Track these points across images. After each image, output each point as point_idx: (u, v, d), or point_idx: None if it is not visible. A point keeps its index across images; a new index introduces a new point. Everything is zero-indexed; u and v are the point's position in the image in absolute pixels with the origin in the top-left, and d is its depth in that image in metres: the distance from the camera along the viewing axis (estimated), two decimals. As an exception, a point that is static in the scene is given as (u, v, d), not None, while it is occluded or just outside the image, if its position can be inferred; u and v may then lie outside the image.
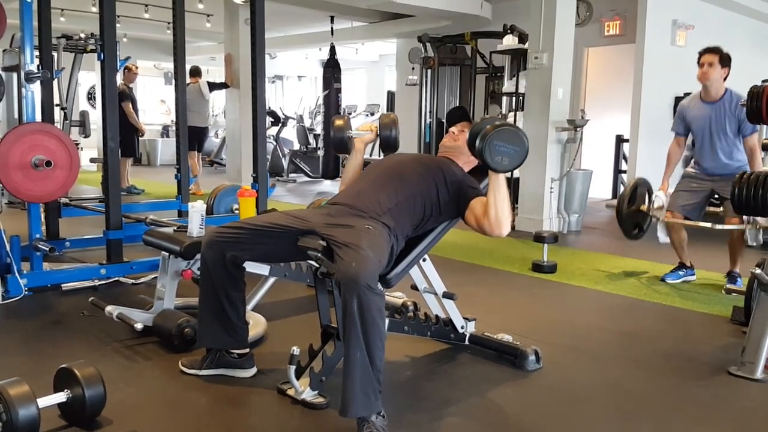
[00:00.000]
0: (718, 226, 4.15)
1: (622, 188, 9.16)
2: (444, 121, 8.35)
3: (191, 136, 8.89)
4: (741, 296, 3.56)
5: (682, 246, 4.51)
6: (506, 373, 2.85)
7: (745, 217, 3.95)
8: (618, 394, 2.70)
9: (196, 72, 9.08)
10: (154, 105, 16.13)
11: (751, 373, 2.84)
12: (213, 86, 9.33)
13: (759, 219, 3.85)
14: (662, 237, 4.50)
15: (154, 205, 5.88)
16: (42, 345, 3.08)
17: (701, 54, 4.32)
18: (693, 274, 4.59)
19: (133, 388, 2.60)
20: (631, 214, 4.55)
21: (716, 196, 4.41)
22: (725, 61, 4.27)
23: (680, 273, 4.56)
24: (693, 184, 4.44)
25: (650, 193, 4.60)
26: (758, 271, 2.97)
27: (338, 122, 3.03)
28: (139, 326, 2.97)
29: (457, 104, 8.90)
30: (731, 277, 4.36)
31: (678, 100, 8.09)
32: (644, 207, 4.54)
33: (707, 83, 4.30)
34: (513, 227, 6.53)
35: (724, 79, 4.30)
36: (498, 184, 2.51)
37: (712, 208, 4.58)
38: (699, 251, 4.69)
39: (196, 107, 8.58)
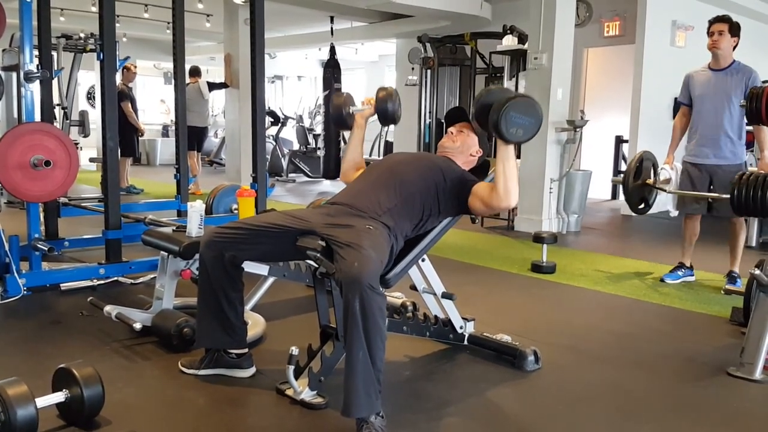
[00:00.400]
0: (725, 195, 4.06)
1: (621, 188, 9.17)
2: (444, 121, 8.34)
3: (191, 136, 8.89)
4: (740, 297, 3.55)
5: (692, 241, 4.51)
6: (505, 373, 2.85)
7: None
8: (617, 395, 2.70)
9: (195, 72, 9.08)
10: (154, 105, 16.12)
11: (750, 374, 2.84)
12: (212, 86, 9.33)
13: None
14: (673, 211, 4.50)
15: (153, 205, 5.88)
16: (40, 345, 3.08)
17: (711, 23, 4.37)
18: (692, 275, 4.59)
19: (132, 388, 2.59)
20: (636, 187, 4.44)
21: (711, 186, 4.38)
22: (735, 30, 4.32)
23: (679, 273, 4.56)
24: (694, 181, 4.42)
25: (656, 167, 4.56)
26: (757, 271, 2.97)
27: (338, 99, 3.04)
28: (137, 326, 2.97)
29: (457, 104, 8.90)
30: (730, 277, 4.37)
31: (677, 99, 8.14)
32: (650, 180, 4.49)
33: (717, 51, 4.33)
34: (512, 227, 6.60)
35: (734, 48, 4.33)
36: (508, 154, 2.54)
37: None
38: (699, 252, 4.69)
39: (195, 107, 8.58)
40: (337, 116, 3.03)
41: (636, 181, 4.43)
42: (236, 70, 9.42)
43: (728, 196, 3.38)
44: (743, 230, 4.38)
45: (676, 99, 8.24)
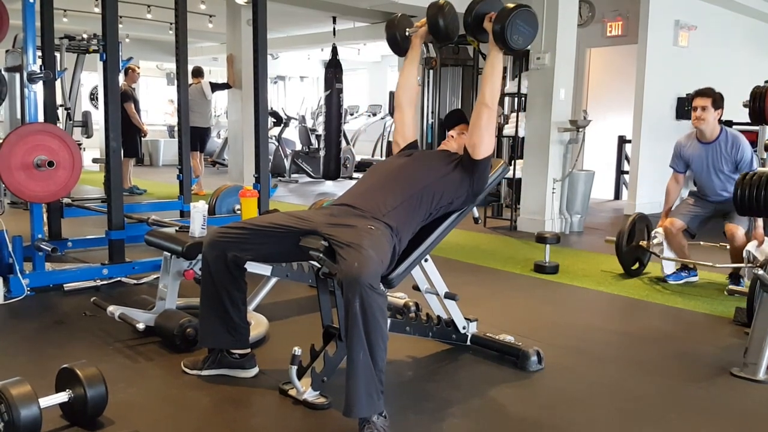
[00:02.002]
0: (719, 265, 4.25)
1: (624, 188, 9.17)
2: (443, 123, 8.33)
3: (193, 136, 8.89)
4: (743, 297, 3.55)
5: (683, 252, 4.51)
6: (508, 373, 2.85)
7: (744, 255, 3.98)
8: (620, 395, 2.70)
9: (198, 72, 9.09)
10: (157, 105, 16.16)
11: (753, 375, 2.84)
12: (215, 87, 9.34)
13: (756, 254, 3.87)
14: (668, 271, 4.54)
15: (156, 206, 5.89)
16: (44, 345, 3.08)
17: (693, 97, 4.37)
18: (695, 275, 4.58)
19: (135, 388, 2.60)
20: (630, 249, 4.63)
21: (721, 213, 4.44)
22: (718, 102, 4.30)
23: (683, 274, 4.55)
24: (697, 202, 4.52)
25: (649, 229, 4.65)
26: (761, 272, 2.97)
27: (392, 24, 3.03)
28: (140, 326, 2.97)
29: (459, 104, 8.90)
30: (734, 278, 4.36)
31: (680, 100, 8.14)
32: (644, 243, 4.59)
33: (703, 126, 4.34)
34: (515, 227, 6.59)
35: (719, 120, 4.33)
36: (499, 58, 2.71)
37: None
38: (701, 252, 4.68)
39: (198, 108, 8.59)
40: (393, 39, 3.03)
41: (630, 243, 4.51)
42: (239, 70, 9.43)
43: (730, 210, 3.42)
44: (743, 237, 4.34)
45: (678, 99, 8.28)
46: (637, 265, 4.73)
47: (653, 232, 4.55)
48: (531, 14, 2.65)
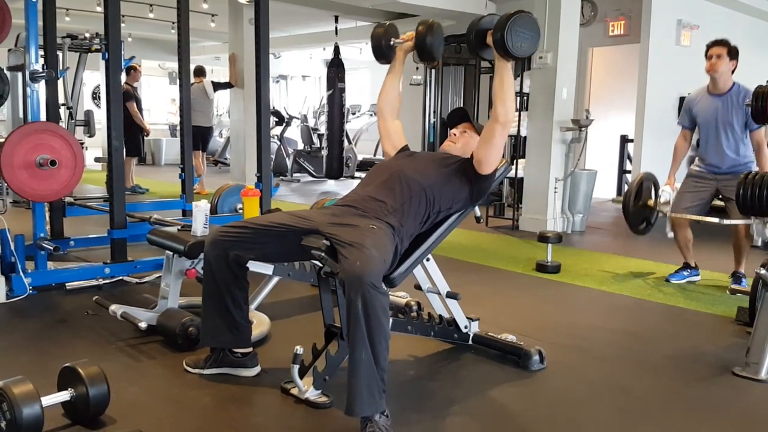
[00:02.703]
0: (726, 221, 4.09)
1: (626, 188, 9.16)
2: (446, 121, 8.33)
3: (195, 135, 8.91)
4: (746, 296, 3.55)
5: (687, 246, 4.50)
6: (510, 373, 2.85)
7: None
8: (622, 395, 2.69)
9: (200, 72, 9.09)
10: (159, 105, 16.17)
11: (755, 374, 2.83)
12: (217, 86, 9.34)
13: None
14: (670, 232, 4.49)
15: (159, 205, 5.89)
16: (46, 344, 3.09)
17: (709, 46, 4.32)
18: (697, 275, 4.58)
19: (137, 387, 2.60)
20: (638, 209, 4.51)
21: (720, 196, 4.39)
22: (733, 53, 4.27)
23: (685, 273, 4.55)
24: (697, 185, 4.42)
25: (656, 188, 4.58)
26: (763, 271, 2.97)
27: (379, 29, 3.01)
28: (143, 325, 2.98)
29: (461, 104, 8.89)
30: (736, 277, 4.35)
31: (683, 100, 8.12)
32: (651, 202, 4.50)
33: (715, 75, 4.29)
34: (517, 227, 6.59)
35: (732, 71, 4.29)
36: (507, 70, 2.64)
37: (717, 202, 4.56)
38: (703, 251, 4.68)
39: (200, 107, 8.60)
40: (377, 47, 3.01)
41: (637, 202, 4.46)
42: (241, 69, 9.43)
43: (732, 197, 3.39)
44: (748, 231, 4.35)
45: (681, 98, 8.26)
46: (644, 225, 4.59)
47: (660, 191, 4.48)
48: (530, 19, 2.60)
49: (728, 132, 4.29)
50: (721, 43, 4.28)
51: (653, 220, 4.57)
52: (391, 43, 2.99)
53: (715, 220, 4.10)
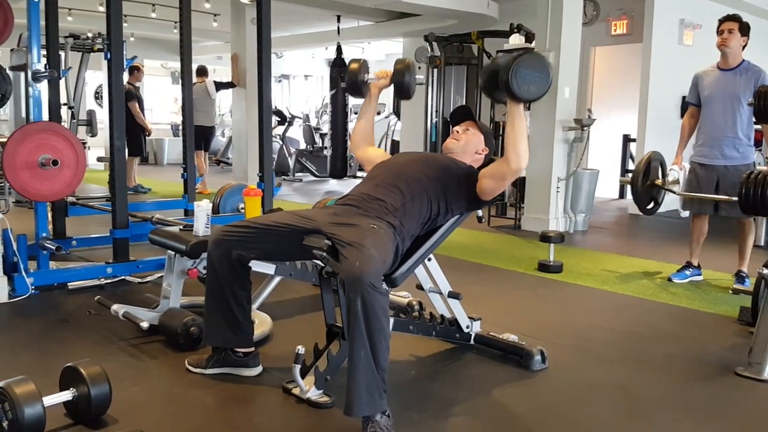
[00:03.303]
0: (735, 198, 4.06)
1: (628, 187, 9.15)
2: (449, 120, 8.32)
3: (198, 135, 8.96)
4: (748, 296, 3.54)
5: (699, 240, 4.49)
6: (512, 373, 2.85)
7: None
8: (624, 395, 2.69)
9: (202, 71, 9.10)
10: (162, 104, 16.18)
11: (758, 374, 2.83)
12: (219, 86, 9.35)
13: None
14: (683, 212, 4.49)
15: (161, 204, 5.90)
16: (48, 343, 3.09)
17: (721, 21, 4.39)
18: (700, 274, 4.57)
19: (139, 387, 2.60)
20: (646, 189, 4.46)
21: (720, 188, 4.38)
22: (744, 29, 4.32)
23: (687, 273, 4.54)
24: (700, 178, 4.42)
25: (664, 167, 4.54)
26: (766, 271, 2.96)
27: (354, 65, 3.00)
28: (145, 325, 2.98)
29: (464, 103, 8.88)
30: (739, 276, 4.35)
31: (685, 99, 8.11)
32: (659, 181, 4.46)
33: (726, 50, 4.32)
34: (519, 226, 6.59)
35: (743, 47, 4.31)
36: (519, 114, 2.56)
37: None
38: (706, 251, 4.67)
39: (202, 107, 8.60)
40: (352, 83, 3.00)
41: (645, 182, 4.41)
42: (243, 69, 9.44)
43: (735, 199, 3.37)
44: (752, 230, 4.37)
45: (683, 98, 8.24)
46: (652, 204, 4.54)
47: (668, 170, 4.46)
48: (536, 58, 2.49)
49: (733, 106, 4.28)
50: (733, 18, 4.35)
51: (661, 199, 4.54)
52: (365, 79, 2.99)
53: (730, 198, 4.01)
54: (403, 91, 2.96)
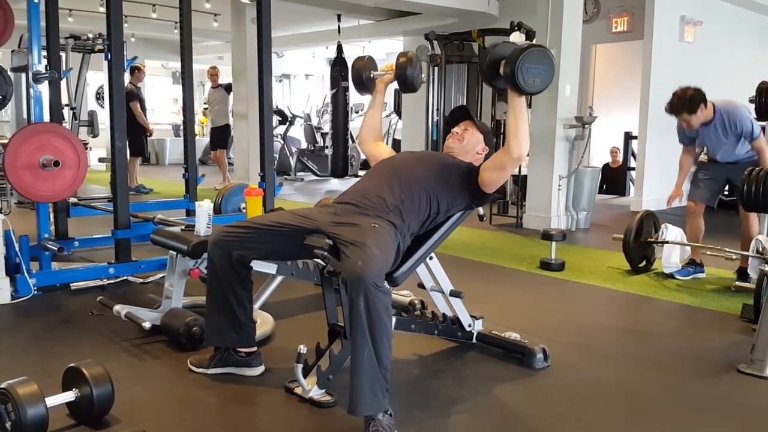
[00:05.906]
0: (728, 249, 4.21)
1: (630, 185, 9.14)
2: (448, 120, 8.30)
3: (219, 134, 9.37)
4: (750, 293, 3.54)
5: (698, 237, 4.50)
6: (514, 371, 2.85)
7: (752, 245, 3.98)
8: (626, 392, 2.69)
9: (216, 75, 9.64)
10: (163, 104, 16.20)
11: (760, 371, 2.83)
12: (227, 88, 9.67)
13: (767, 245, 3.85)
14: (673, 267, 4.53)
15: (163, 205, 5.90)
16: (50, 344, 3.09)
17: (670, 112, 4.35)
18: (702, 271, 4.57)
19: (141, 387, 2.60)
20: (638, 246, 4.61)
21: (728, 185, 4.44)
22: (695, 106, 4.23)
23: (690, 270, 4.54)
24: (708, 174, 4.49)
25: (657, 226, 4.65)
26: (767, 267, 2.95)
27: (359, 62, 3.04)
28: (147, 325, 2.98)
29: (464, 102, 8.88)
30: (741, 274, 4.34)
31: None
32: (651, 238, 4.63)
33: (693, 128, 4.34)
34: (521, 225, 6.58)
35: (705, 108, 4.26)
36: (521, 103, 2.58)
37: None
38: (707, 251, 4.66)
39: (223, 106, 8.99)
40: (358, 79, 3.04)
41: (637, 240, 4.52)
42: (244, 69, 9.48)
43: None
44: (756, 227, 4.35)
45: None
46: (644, 263, 4.71)
47: (662, 226, 4.57)
48: (542, 53, 2.49)
49: (727, 144, 4.35)
50: (680, 108, 4.27)
51: (653, 259, 4.71)
52: (371, 75, 3.02)
53: (721, 251, 4.19)
54: (407, 84, 2.97)
